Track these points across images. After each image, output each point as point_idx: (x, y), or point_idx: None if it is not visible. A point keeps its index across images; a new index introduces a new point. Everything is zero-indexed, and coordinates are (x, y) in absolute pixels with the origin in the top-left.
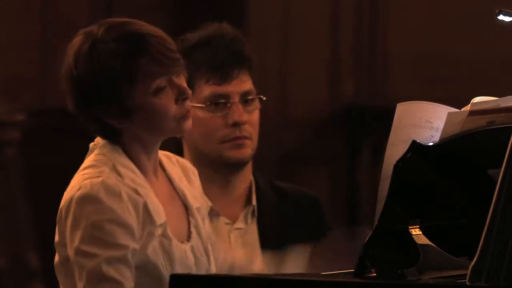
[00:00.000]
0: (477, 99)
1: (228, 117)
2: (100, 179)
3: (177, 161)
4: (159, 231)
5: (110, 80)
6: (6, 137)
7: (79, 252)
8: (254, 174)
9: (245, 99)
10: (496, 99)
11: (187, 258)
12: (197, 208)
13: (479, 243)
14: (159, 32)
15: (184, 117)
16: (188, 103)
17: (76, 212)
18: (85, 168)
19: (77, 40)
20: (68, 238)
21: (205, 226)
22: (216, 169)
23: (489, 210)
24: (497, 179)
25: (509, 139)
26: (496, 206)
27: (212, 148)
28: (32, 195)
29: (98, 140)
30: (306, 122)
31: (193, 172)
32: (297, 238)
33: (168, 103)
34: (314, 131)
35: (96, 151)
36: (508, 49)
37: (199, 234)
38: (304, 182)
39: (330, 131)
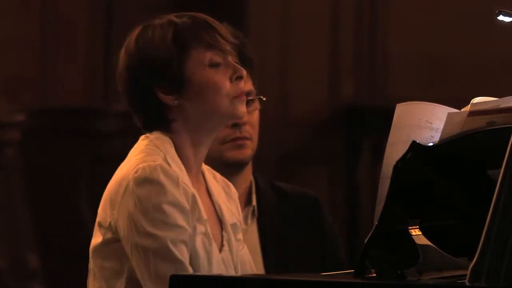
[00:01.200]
0: (477, 100)
1: None
2: (157, 163)
3: (221, 179)
4: (202, 228)
5: (161, 47)
6: (6, 137)
7: (141, 233)
8: (254, 174)
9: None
10: (496, 100)
11: (219, 264)
12: (232, 225)
13: (479, 243)
14: (224, 26)
15: (238, 97)
16: (243, 84)
17: (136, 194)
18: (136, 155)
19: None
20: (125, 220)
21: (244, 250)
22: (216, 170)
23: (489, 210)
24: (497, 180)
25: (509, 139)
26: (496, 206)
27: (212, 148)
28: (32, 195)
29: (148, 134)
30: (306, 122)
31: (235, 193)
32: (297, 238)
33: (222, 79)
34: (314, 131)
35: (146, 142)
36: (508, 50)
37: (230, 249)
38: (304, 182)
39: (330, 131)
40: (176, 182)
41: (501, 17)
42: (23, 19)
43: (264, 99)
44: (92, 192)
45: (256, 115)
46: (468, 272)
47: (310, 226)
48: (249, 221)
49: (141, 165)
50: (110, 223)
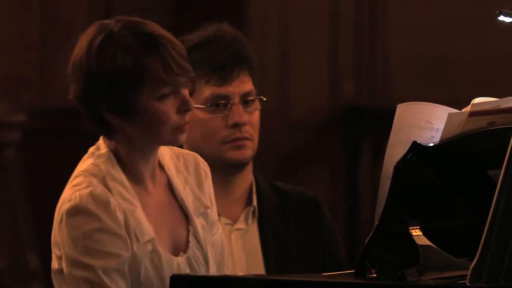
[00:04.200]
0: (477, 100)
1: (228, 118)
2: (88, 189)
3: (193, 161)
4: (149, 247)
5: (119, 74)
6: (6, 138)
7: (73, 263)
8: (254, 174)
9: (245, 100)
10: (496, 100)
11: (179, 271)
12: (202, 213)
13: (479, 244)
14: (173, 37)
15: (181, 128)
16: (188, 116)
17: (67, 224)
18: (75, 177)
19: (91, 31)
20: (61, 250)
21: (217, 233)
22: (216, 170)
23: (489, 211)
24: (497, 180)
25: (509, 140)
26: (497, 207)
27: (212, 149)
28: (32, 196)
29: (99, 144)
30: (306, 123)
31: (205, 169)
32: (297, 238)
33: (169, 111)
34: (314, 131)
35: (91, 160)
36: (508, 50)
37: (198, 242)
38: (304, 182)
39: (330, 131)
40: (107, 206)
41: (501, 18)
42: (23, 19)
43: (264, 99)
44: None
45: (256, 116)
46: (469, 273)
47: (310, 226)
48: (249, 221)
49: (73, 195)
50: (58, 251)
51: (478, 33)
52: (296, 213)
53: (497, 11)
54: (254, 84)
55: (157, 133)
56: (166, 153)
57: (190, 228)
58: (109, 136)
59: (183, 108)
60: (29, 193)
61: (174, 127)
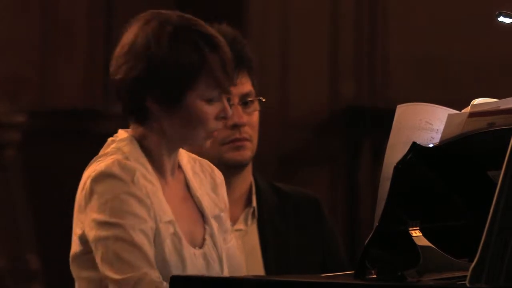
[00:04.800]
0: (477, 101)
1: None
2: (114, 159)
3: (207, 166)
4: (170, 229)
5: (181, 67)
6: (6, 138)
7: (100, 225)
8: (254, 175)
9: (244, 101)
10: (496, 101)
11: (197, 261)
12: (216, 217)
13: (479, 244)
14: (226, 43)
15: (211, 135)
16: (221, 124)
17: (95, 192)
18: (98, 157)
19: (150, 19)
20: (86, 221)
21: (231, 243)
22: None
23: (489, 211)
24: (497, 181)
25: (509, 141)
26: (496, 207)
27: (212, 149)
28: (32, 196)
29: (117, 134)
30: (306, 123)
31: (220, 177)
32: (297, 239)
33: (211, 115)
34: (314, 132)
35: (112, 145)
36: (508, 51)
37: (214, 243)
38: (304, 182)
39: (330, 131)
40: (132, 174)
41: (501, 18)
42: (23, 19)
43: (263, 100)
44: None
45: (255, 116)
46: (469, 273)
47: (310, 227)
48: (249, 222)
49: (97, 166)
50: (82, 232)
51: (478, 33)
52: (296, 214)
53: (497, 12)
54: (253, 85)
55: (193, 132)
56: (184, 155)
57: (207, 227)
58: (141, 123)
59: (222, 114)
60: (29, 193)
61: (209, 132)
